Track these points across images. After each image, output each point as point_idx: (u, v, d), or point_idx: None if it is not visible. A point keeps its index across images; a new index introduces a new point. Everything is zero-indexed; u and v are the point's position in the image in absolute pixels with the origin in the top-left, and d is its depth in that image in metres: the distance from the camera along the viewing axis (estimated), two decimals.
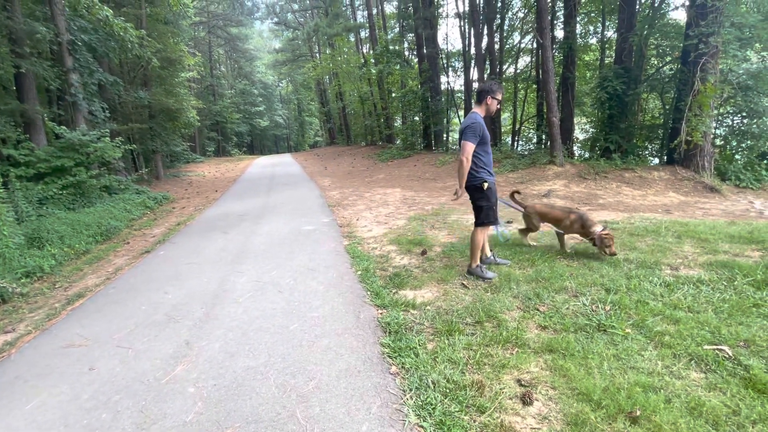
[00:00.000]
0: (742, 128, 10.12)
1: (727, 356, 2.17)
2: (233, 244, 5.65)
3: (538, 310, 2.88)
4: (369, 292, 3.48)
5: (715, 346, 2.26)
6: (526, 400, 1.98)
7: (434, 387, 2.13)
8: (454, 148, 17.90)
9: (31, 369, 2.79)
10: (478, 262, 3.64)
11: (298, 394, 2.20)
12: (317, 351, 2.63)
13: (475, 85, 16.18)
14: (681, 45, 9.12)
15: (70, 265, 5.68)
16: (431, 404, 2.00)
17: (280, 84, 47.32)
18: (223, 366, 2.55)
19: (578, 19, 13.70)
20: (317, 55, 32.04)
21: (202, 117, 27.21)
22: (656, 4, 11.14)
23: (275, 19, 32.45)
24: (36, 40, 9.00)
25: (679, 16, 11.28)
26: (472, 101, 2.89)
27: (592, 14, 14.58)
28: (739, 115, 10.31)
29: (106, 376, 2.57)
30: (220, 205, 9.45)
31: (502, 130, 18.70)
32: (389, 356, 2.48)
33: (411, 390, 2.14)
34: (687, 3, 9.09)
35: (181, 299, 3.77)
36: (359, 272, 4.00)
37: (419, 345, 2.55)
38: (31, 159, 8.16)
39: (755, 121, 9.79)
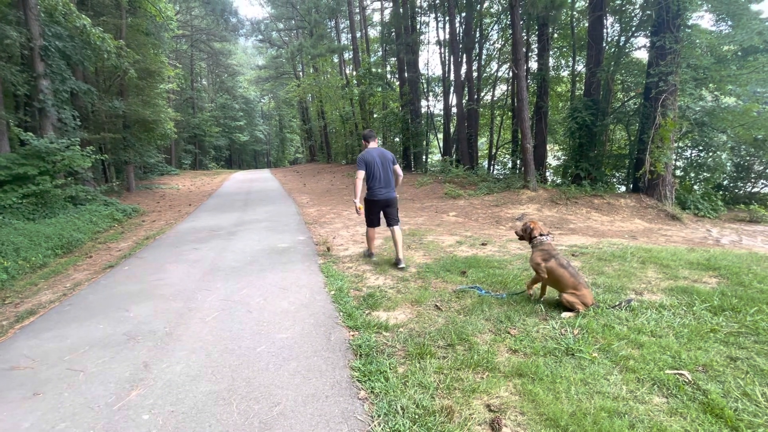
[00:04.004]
0: (699, 161, 10.82)
1: (687, 381, 2.24)
2: (204, 260, 5.47)
3: (509, 333, 2.89)
4: (341, 313, 3.42)
5: (675, 371, 2.32)
6: (494, 426, 1.96)
7: (403, 413, 2.08)
8: (432, 169, 18.24)
9: None
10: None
11: (261, 421, 2.10)
12: (284, 374, 2.53)
13: (454, 110, 16.71)
14: (644, 82, 9.78)
15: (24, 279, 5.33)
16: (399, 431, 1.95)
17: (262, 100, 47.29)
18: (182, 390, 2.42)
19: (551, 53, 14.52)
20: (301, 73, 32.36)
21: (180, 129, 26.74)
22: (621, 44, 11.96)
23: (260, 37, 32.68)
24: (6, 44, 8.69)
25: (642, 56, 12.13)
26: (371, 141, 4.83)
27: (564, 49, 15.50)
28: (696, 149, 11.05)
29: (51, 402, 2.38)
30: (192, 220, 9.17)
31: (479, 154, 19.24)
32: (359, 380, 2.42)
33: (379, 416, 2.08)
34: (648, 44, 9.80)
35: (144, 318, 3.58)
36: (332, 292, 3.93)
37: (390, 368, 2.50)
38: None
39: (710, 154, 10.51)
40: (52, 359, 2.92)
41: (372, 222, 4.86)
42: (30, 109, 10.15)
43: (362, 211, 4.79)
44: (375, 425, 2.02)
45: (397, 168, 4.77)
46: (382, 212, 4.78)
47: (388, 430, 1.97)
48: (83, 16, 9.47)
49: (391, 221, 4.74)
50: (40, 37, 9.22)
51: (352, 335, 3.02)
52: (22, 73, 9.04)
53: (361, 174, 4.58)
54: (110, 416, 2.21)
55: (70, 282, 5.01)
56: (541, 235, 3.44)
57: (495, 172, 18.48)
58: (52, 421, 2.20)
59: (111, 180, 16.09)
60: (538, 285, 3.53)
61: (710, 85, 9.96)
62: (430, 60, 50.59)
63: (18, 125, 9.36)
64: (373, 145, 4.74)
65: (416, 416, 2.05)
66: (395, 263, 4.69)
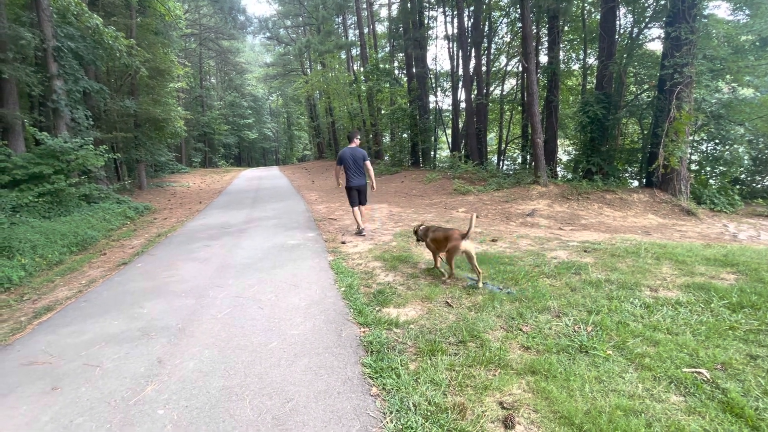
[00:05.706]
0: (715, 154, 10.56)
1: (705, 379, 2.19)
2: (215, 257, 5.52)
3: (521, 330, 2.87)
4: (352, 310, 3.42)
5: (693, 369, 2.28)
6: (508, 424, 1.95)
7: (415, 410, 2.08)
8: (441, 165, 18.14)
9: None
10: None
11: (274, 417, 2.11)
12: (296, 371, 2.55)
13: (463, 105, 16.56)
14: (657, 74, 9.56)
15: (41, 276, 5.45)
16: (412, 428, 1.94)
17: (271, 97, 47.46)
18: (196, 386, 2.45)
19: (561, 45, 14.27)
20: (308, 70, 32.36)
21: (190, 127, 27.00)
22: (634, 35, 11.70)
23: (267, 34, 32.72)
24: (20, 46, 8.84)
25: (656, 47, 11.85)
26: (353, 140, 6.43)
27: (575, 42, 15.22)
28: (712, 142, 10.79)
29: (69, 397, 2.43)
30: (203, 217, 9.27)
31: (489, 149, 19.07)
32: (370, 377, 2.42)
33: (391, 413, 2.08)
34: (662, 35, 9.57)
35: (157, 314, 3.63)
36: (343, 289, 3.94)
37: (401, 365, 2.50)
38: (7, 165, 7.90)
39: (727, 148, 10.25)
40: (70, 355, 2.98)
41: (353, 202, 6.41)
42: (44, 109, 10.33)
43: (342, 186, 6.45)
44: (387, 422, 2.02)
45: (368, 163, 6.32)
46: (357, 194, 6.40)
47: (401, 426, 1.97)
48: (95, 16, 9.59)
49: (361, 202, 6.48)
50: (53, 38, 9.37)
51: (363, 332, 3.02)
52: (36, 73, 9.19)
53: (338, 168, 6.35)
54: (126, 411, 2.25)
55: (86, 279, 5.11)
56: (419, 227, 4.42)
57: (505, 167, 18.30)
58: (70, 416, 2.25)
59: (123, 178, 16.33)
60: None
61: (727, 76, 9.69)
62: (439, 55, 50.11)
63: (33, 125, 9.55)
64: (354, 143, 6.32)
65: (429, 413, 2.04)
66: (358, 232, 6.42)
